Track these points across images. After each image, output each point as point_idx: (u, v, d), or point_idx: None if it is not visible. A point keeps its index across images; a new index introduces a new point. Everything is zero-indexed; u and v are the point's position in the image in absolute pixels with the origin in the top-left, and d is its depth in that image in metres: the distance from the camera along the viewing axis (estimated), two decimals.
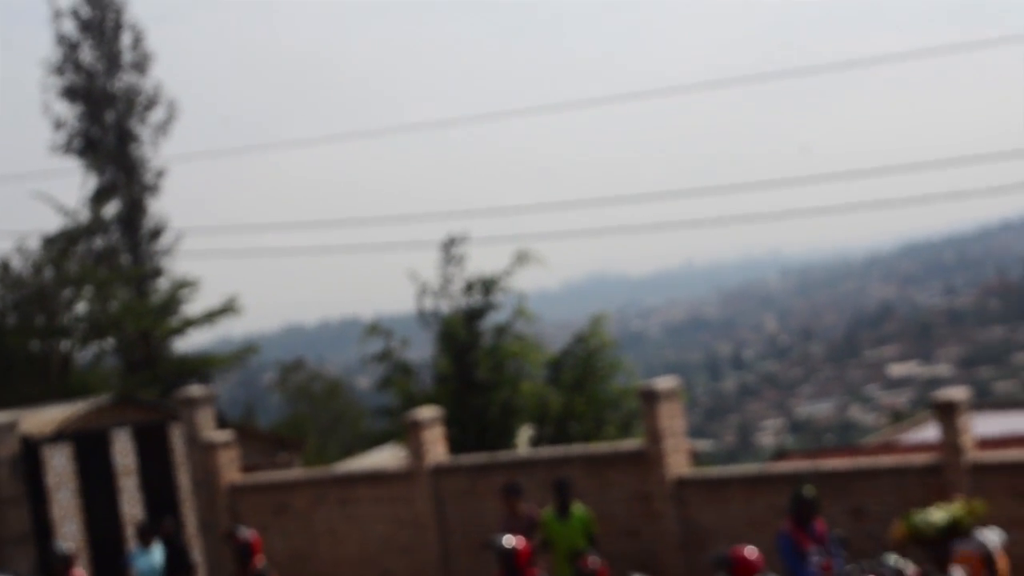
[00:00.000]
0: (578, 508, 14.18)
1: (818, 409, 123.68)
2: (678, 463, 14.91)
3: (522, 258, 25.72)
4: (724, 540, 13.43)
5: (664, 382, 15.10)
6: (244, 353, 49.50)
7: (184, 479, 19.81)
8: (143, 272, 46.69)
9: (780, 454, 42.65)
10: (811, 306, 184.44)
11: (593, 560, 11.10)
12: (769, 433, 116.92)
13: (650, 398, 14.90)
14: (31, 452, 19.46)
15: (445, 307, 26.53)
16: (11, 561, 19.62)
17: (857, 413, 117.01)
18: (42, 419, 25.16)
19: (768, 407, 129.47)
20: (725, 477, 14.97)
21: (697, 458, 19.70)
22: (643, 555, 14.88)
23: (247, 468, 20.47)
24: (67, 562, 14.18)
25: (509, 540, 11.88)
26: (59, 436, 19.99)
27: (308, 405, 60.89)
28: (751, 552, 10.29)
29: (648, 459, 14.91)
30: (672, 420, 14.95)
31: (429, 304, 26.64)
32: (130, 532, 19.08)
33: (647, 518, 14.99)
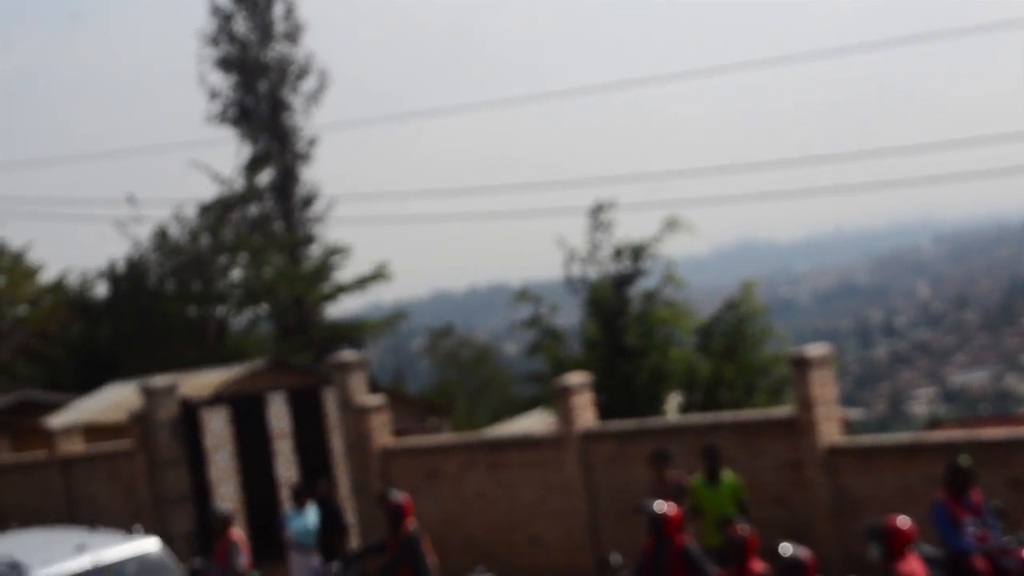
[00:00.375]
0: (728, 475, 14.12)
1: (973, 378, 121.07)
2: (830, 431, 14.74)
3: (672, 224, 25.56)
4: (876, 509, 13.25)
5: (816, 349, 14.92)
6: (394, 319, 50.15)
7: (337, 442, 20.12)
8: (296, 239, 47.50)
9: (933, 423, 42.05)
10: (965, 272, 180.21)
11: (742, 527, 11.04)
12: (921, 402, 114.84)
13: (801, 365, 14.74)
14: (190, 415, 19.94)
15: (592, 273, 26.49)
16: (171, 520, 20.18)
17: (1013, 382, 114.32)
18: (200, 383, 25.81)
19: (920, 376, 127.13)
20: (878, 446, 14.76)
21: (848, 427, 19.42)
22: (793, 523, 14.76)
23: (397, 432, 20.74)
24: (226, 522, 14.58)
25: (660, 505, 11.87)
26: (217, 399, 20.46)
27: (456, 371, 61.39)
28: (904, 522, 10.15)
29: (799, 427, 14.76)
30: (824, 388, 14.78)
31: (576, 271, 26.63)
32: (285, 494, 19.46)
33: (798, 486, 14.86)
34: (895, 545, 10.05)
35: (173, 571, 13.72)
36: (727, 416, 16.57)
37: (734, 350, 24.56)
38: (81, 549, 13.27)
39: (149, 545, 13.77)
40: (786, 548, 9.93)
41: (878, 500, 13.94)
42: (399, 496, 13.49)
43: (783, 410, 17.03)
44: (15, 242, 50.49)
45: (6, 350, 47.71)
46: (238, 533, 14.74)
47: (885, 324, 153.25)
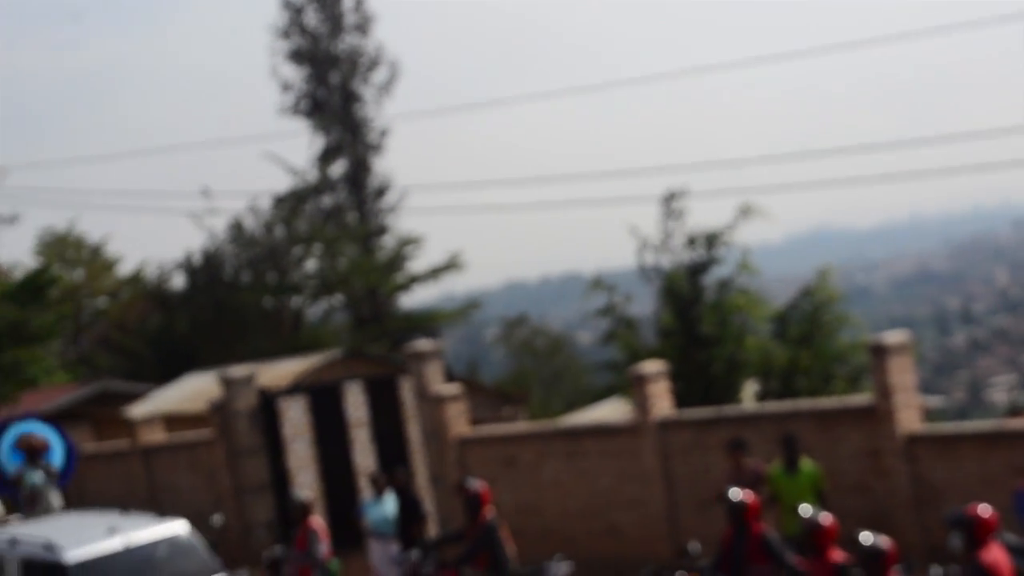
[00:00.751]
0: (806, 463, 14.05)
1: None
2: (909, 419, 14.61)
3: (746, 211, 25.41)
4: (956, 498, 13.13)
5: (894, 336, 14.80)
6: (468, 309, 50.33)
7: (414, 431, 20.23)
8: (369, 230, 47.75)
9: (1014, 411, 41.34)
10: None
11: (823, 516, 10.98)
12: (1001, 390, 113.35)
13: (880, 352, 14.62)
14: (268, 404, 20.12)
15: (666, 262, 26.43)
16: (251, 508, 20.39)
17: None
18: (277, 372, 26.06)
19: (1000, 363, 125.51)
20: (958, 434, 14.61)
21: (928, 414, 19.24)
22: (873, 512, 14.65)
23: (473, 421, 20.80)
24: (305, 510, 14.72)
25: (737, 494, 11.86)
26: (294, 389, 20.64)
27: (531, 360, 61.47)
28: (986, 510, 10.04)
29: (878, 414, 14.65)
30: (903, 375, 14.65)
31: (649, 259, 26.57)
32: (363, 482, 19.58)
33: (877, 474, 14.75)
34: (977, 534, 9.95)
35: (201, 552, 14.08)
36: (805, 404, 16.48)
37: (810, 338, 24.40)
38: (112, 531, 13.70)
39: (178, 528, 14.16)
40: (867, 537, 9.87)
41: (958, 488, 13.81)
42: (477, 484, 13.55)
43: (862, 398, 16.91)
44: (93, 235, 51.26)
45: (86, 342, 48.47)
46: (318, 521, 14.88)
47: (963, 311, 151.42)
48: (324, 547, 14.48)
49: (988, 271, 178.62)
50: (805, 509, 10.99)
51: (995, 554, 9.93)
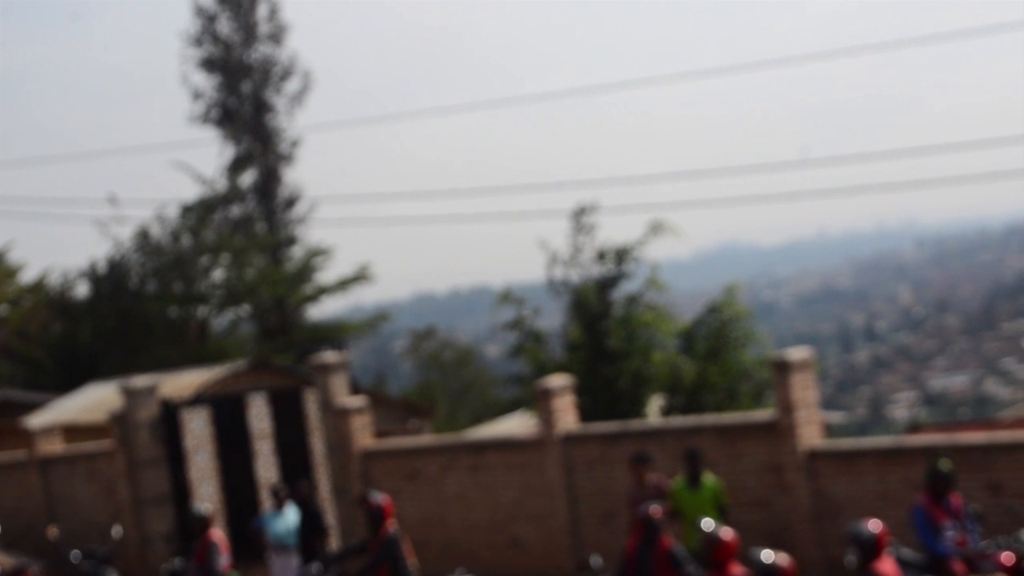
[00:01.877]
0: (708, 478, 14.13)
1: (953, 382, 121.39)
2: (810, 434, 14.76)
3: (656, 228, 25.58)
4: (857, 513, 13.28)
5: (797, 352, 14.95)
6: (376, 320, 50.14)
7: (318, 444, 20.09)
8: (278, 240, 47.47)
9: (914, 427, 42.09)
10: (947, 277, 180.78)
11: (724, 530, 11.04)
12: (902, 406, 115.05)
13: (782, 368, 14.76)
14: (170, 415, 19.90)
15: (575, 276, 26.51)
16: (150, 520, 20.12)
17: (993, 387, 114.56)
18: (181, 383, 25.74)
19: (901, 380, 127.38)
20: (858, 449, 14.79)
21: (829, 430, 19.46)
22: (774, 527, 14.78)
23: (379, 434, 20.71)
24: (205, 523, 14.51)
25: (709, 524, 12.06)
26: (197, 400, 20.41)
27: (438, 372, 61.38)
28: (876, 525, 10.16)
29: (780, 430, 14.78)
30: (805, 391, 14.81)
31: (559, 273, 26.65)
32: (265, 495, 19.42)
33: (778, 489, 14.88)
34: (873, 548, 10.07)
35: None
36: (708, 419, 16.60)
37: (717, 353, 24.60)
38: None
39: None
40: (767, 555, 9.94)
41: (858, 504, 13.98)
42: (379, 497, 13.47)
43: (764, 413, 17.07)
44: None
45: None
46: (218, 534, 14.69)
47: (866, 328, 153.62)
48: (224, 560, 14.30)
49: (891, 289, 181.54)
50: (707, 524, 11.08)
51: (886, 568, 10.04)
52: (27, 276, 49.71)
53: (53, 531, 17.10)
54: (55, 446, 23.62)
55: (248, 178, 47.74)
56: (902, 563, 11.31)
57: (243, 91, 48.35)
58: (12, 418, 28.64)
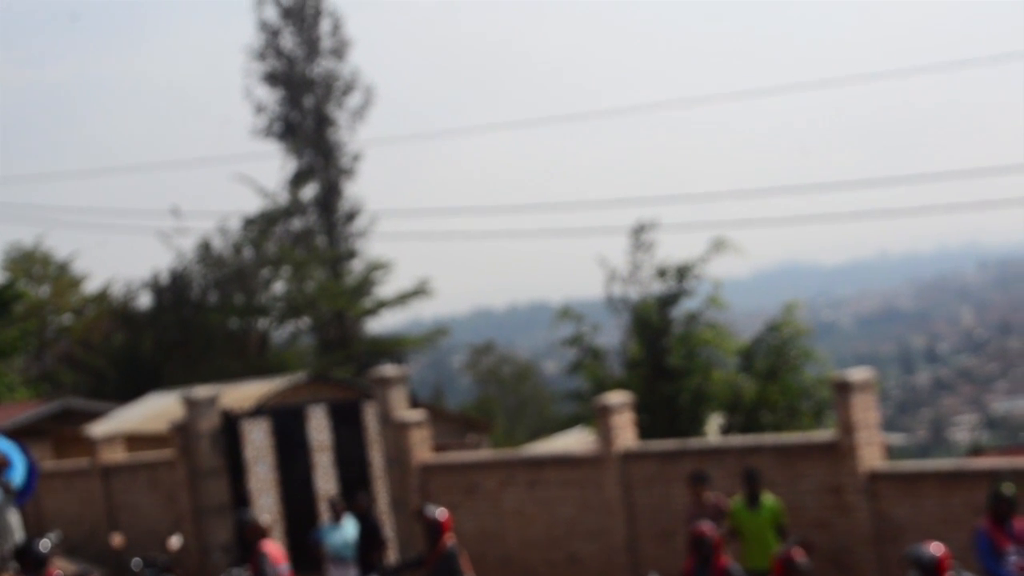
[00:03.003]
0: (768, 498, 14.06)
1: (1016, 405, 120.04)
2: (871, 456, 14.65)
3: (719, 245, 25.52)
4: (917, 536, 13.15)
5: (858, 373, 14.84)
6: (435, 335, 50.30)
7: (377, 457, 20.15)
8: (339, 254, 47.72)
9: (975, 450, 41.68)
10: (1010, 299, 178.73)
11: (797, 551, 11.00)
12: (963, 429, 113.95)
13: (844, 389, 14.66)
14: (231, 426, 20.03)
15: (633, 293, 26.50)
16: (210, 530, 20.26)
17: None
18: (241, 394, 25.92)
19: (963, 402, 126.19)
20: (920, 472, 14.65)
21: (890, 452, 19.29)
22: (833, 548, 14.67)
23: (437, 448, 20.75)
24: (258, 532, 14.39)
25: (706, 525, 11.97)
26: (258, 411, 20.53)
27: (497, 388, 61.48)
28: (939, 548, 10.09)
29: (840, 451, 14.68)
30: (866, 412, 14.69)
31: (617, 290, 26.63)
32: (323, 507, 19.50)
33: (838, 511, 14.77)
34: (934, 572, 10.00)
35: None
36: (768, 439, 16.49)
37: (776, 372, 24.47)
38: None
39: None
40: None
41: (919, 526, 13.84)
42: (438, 511, 13.50)
43: (824, 434, 16.96)
44: (61, 252, 51.07)
45: (50, 358, 48.15)
46: (271, 544, 14.66)
47: (928, 350, 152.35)
48: (280, 570, 14.32)
49: (953, 311, 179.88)
50: (790, 546, 10.95)
51: None
52: (91, 286, 50.38)
53: (117, 539, 17.23)
54: (117, 455, 23.86)
55: (309, 191, 48.08)
56: None
57: (305, 105, 48.72)
58: (75, 426, 28.96)
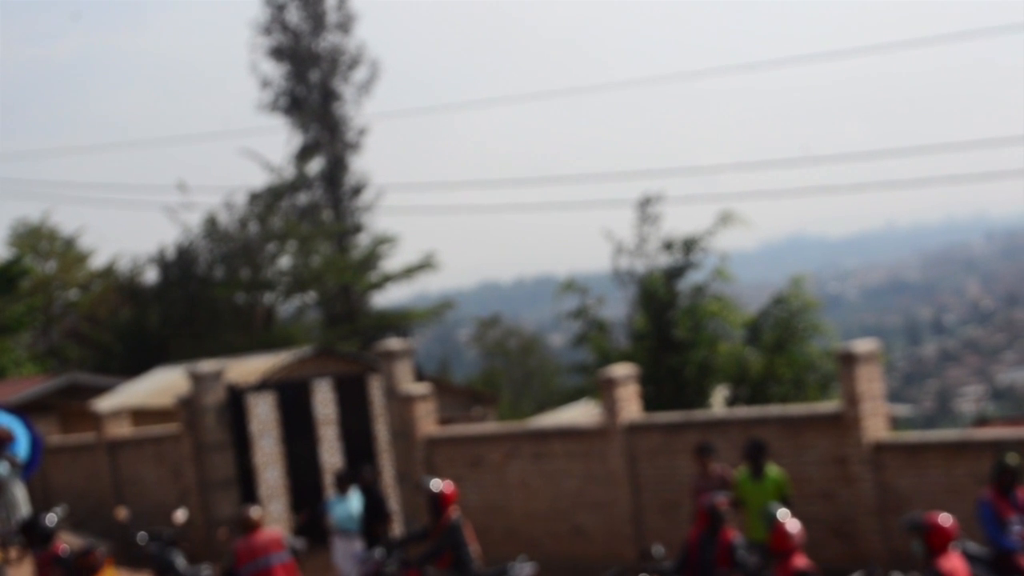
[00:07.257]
0: (772, 469, 14.06)
1: (1021, 376, 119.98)
2: (876, 427, 14.65)
3: (725, 218, 25.49)
4: (921, 506, 13.17)
5: (863, 344, 14.83)
6: (441, 308, 50.29)
7: (382, 430, 20.18)
8: (344, 228, 47.72)
9: (981, 421, 41.64)
10: (1017, 270, 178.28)
11: (791, 521, 11.04)
12: (969, 400, 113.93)
13: (848, 361, 14.65)
14: (236, 400, 20.06)
15: (639, 266, 26.48)
16: (216, 503, 20.31)
17: None
18: (247, 368, 25.95)
19: (969, 373, 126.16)
20: (924, 442, 14.65)
21: (895, 423, 19.30)
22: (838, 519, 14.69)
23: (442, 421, 20.77)
24: (249, 526, 13.97)
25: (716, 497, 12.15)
26: (263, 385, 20.56)
27: (503, 361, 61.49)
28: (945, 519, 10.10)
29: (845, 422, 14.68)
30: (871, 383, 14.68)
31: (624, 263, 26.61)
32: (329, 480, 19.53)
33: (843, 481, 14.78)
34: (935, 541, 10.01)
35: None
36: (773, 410, 16.49)
37: (783, 344, 24.46)
38: None
39: None
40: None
41: (923, 497, 13.85)
42: (441, 484, 13.52)
43: (829, 405, 16.95)
44: (67, 228, 51.07)
45: (56, 334, 48.24)
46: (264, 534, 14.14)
47: (934, 321, 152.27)
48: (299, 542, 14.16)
49: (960, 282, 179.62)
50: (782, 513, 11.06)
51: (953, 562, 9.97)
52: (97, 262, 50.43)
53: (122, 512, 17.28)
54: (123, 429, 23.91)
55: (315, 166, 48.06)
56: (968, 557, 11.21)
57: (311, 80, 48.66)
58: (81, 401, 29.02)
